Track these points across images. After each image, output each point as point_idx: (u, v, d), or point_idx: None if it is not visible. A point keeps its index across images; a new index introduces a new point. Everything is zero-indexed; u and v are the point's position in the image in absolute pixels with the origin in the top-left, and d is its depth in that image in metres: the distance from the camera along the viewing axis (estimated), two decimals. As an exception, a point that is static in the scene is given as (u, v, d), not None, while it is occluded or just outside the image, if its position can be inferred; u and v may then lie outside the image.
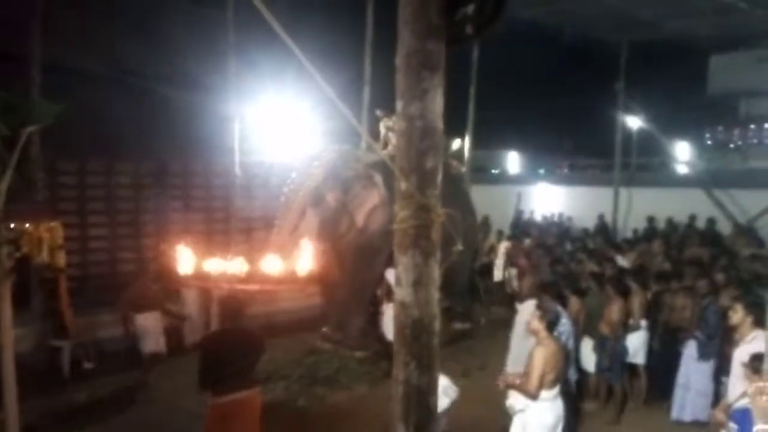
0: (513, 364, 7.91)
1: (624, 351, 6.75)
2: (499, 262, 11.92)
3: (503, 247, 12.24)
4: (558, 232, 14.61)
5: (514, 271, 11.69)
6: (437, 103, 2.35)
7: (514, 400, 4.90)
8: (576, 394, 6.36)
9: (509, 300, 11.37)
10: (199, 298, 8.79)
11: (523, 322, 7.89)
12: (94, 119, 8.86)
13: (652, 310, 7.10)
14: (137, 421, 6.64)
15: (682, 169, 18.14)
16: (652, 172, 18.42)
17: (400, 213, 2.36)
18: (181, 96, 10.01)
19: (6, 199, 4.71)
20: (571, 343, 6.20)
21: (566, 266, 9.12)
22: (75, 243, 9.28)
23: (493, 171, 22.34)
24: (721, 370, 5.97)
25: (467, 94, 13.51)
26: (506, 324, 7.99)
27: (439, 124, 2.38)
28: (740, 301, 5.57)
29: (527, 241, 11.94)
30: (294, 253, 7.34)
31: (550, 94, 20.77)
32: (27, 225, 7.08)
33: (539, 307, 5.17)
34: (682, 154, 19.16)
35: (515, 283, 11.74)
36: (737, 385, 4.81)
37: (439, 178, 2.40)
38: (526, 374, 4.83)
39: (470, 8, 2.20)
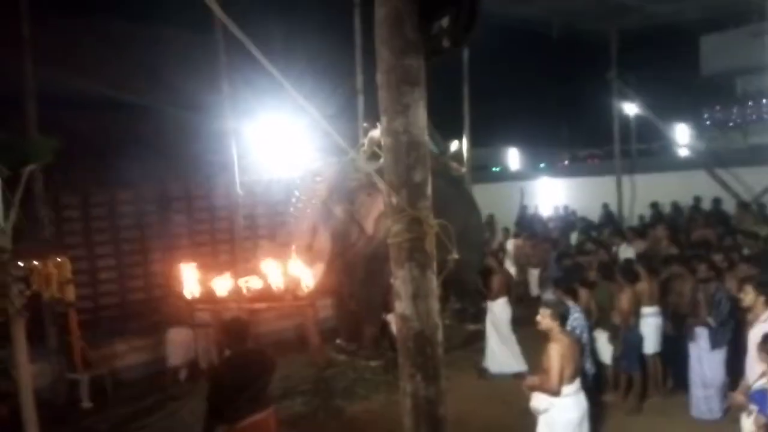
0: (492, 362, 8.01)
1: (638, 339, 6.72)
2: (509, 261, 11.91)
3: (511, 245, 12.24)
4: (563, 225, 14.59)
5: (535, 272, 11.70)
6: (420, 116, 2.38)
7: (537, 401, 4.87)
8: (594, 388, 6.32)
9: (523, 299, 11.39)
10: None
11: (495, 321, 8.01)
12: (93, 150, 8.95)
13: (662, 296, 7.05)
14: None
15: (683, 152, 18.06)
16: (653, 157, 18.34)
17: (393, 228, 2.39)
18: (179, 117, 10.08)
19: (13, 238, 4.79)
20: (585, 337, 6.17)
21: (573, 258, 9.10)
22: (84, 276, 9.33)
23: (494, 169, 22.31)
24: (735, 358, 5.84)
25: (462, 94, 13.56)
26: (519, 324, 8.00)
27: (424, 137, 2.41)
28: (750, 282, 5.56)
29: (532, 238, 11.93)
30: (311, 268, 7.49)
31: (545, 88, 20.79)
32: (35, 262, 7.15)
33: (545, 304, 5.11)
34: (682, 136, 19.07)
35: (533, 281, 11.76)
36: (755, 367, 4.79)
37: (429, 190, 2.43)
38: (545, 373, 4.80)
39: (445, 21, 2.23)
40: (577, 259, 8.90)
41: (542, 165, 21.93)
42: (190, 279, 7.71)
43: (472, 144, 13.98)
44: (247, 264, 9.06)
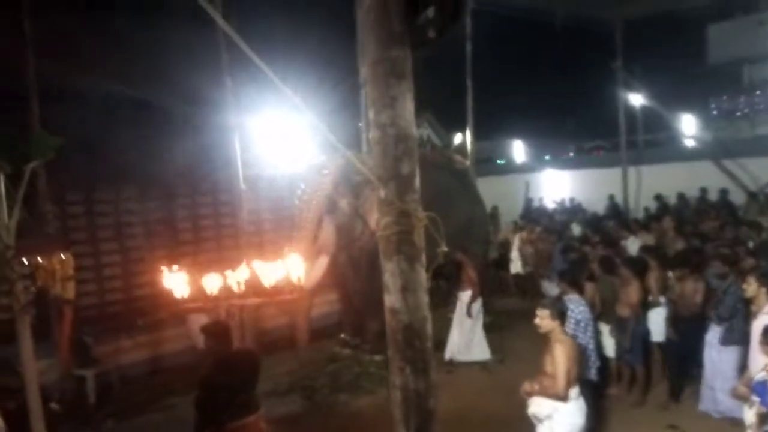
0: (458, 352, 8.26)
1: (645, 331, 6.67)
2: (515, 254, 11.87)
3: (518, 238, 12.18)
4: (567, 218, 14.51)
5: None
6: (407, 109, 2.37)
7: (538, 407, 4.54)
8: (598, 381, 6.28)
9: (528, 292, 11.37)
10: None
11: (461, 310, 8.33)
12: (97, 146, 8.97)
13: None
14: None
15: (689, 143, 17.91)
16: (659, 148, 18.20)
17: (382, 220, 2.39)
18: (183, 112, 10.09)
19: (17, 235, 4.82)
20: (591, 330, 6.09)
21: (578, 251, 9.05)
22: (89, 272, 9.38)
23: (498, 161, 22.24)
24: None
25: (465, 86, 13.47)
26: (525, 316, 7.95)
27: (412, 129, 2.40)
28: (752, 273, 5.51)
29: (538, 229, 11.86)
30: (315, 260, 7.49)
31: (550, 79, 20.68)
32: (40, 259, 7.19)
33: (542, 305, 4.75)
34: (689, 127, 18.90)
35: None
36: (758, 358, 4.75)
37: (417, 182, 2.42)
38: (546, 377, 4.47)
39: (430, 11, 2.21)
40: (583, 249, 8.87)
41: (547, 157, 21.86)
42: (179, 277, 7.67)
43: (477, 136, 13.90)
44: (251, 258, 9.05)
